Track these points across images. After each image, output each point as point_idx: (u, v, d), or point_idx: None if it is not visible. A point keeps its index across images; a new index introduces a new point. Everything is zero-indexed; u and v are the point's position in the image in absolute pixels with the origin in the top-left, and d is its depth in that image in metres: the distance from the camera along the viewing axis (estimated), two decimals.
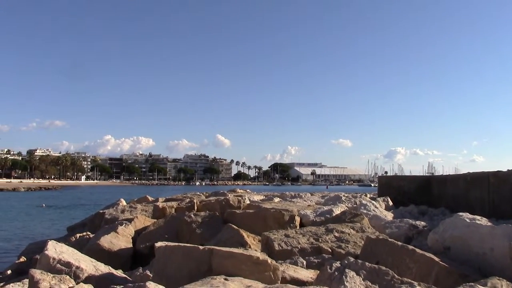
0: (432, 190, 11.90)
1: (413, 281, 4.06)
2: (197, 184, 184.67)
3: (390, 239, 5.59)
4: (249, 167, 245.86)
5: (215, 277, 4.15)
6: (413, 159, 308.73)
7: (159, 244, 5.00)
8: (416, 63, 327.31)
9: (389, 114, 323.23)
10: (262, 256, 4.69)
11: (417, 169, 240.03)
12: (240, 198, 12.34)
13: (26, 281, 4.83)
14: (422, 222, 8.09)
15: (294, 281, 4.83)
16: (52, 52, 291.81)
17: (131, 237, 9.47)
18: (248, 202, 12.35)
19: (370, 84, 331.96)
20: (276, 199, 15.27)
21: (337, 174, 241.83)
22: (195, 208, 11.84)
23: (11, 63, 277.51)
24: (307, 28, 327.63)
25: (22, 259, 12.12)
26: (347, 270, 4.28)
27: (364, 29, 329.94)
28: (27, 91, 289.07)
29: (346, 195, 16.12)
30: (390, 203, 11.93)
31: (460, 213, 5.85)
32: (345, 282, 4.12)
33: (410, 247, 5.11)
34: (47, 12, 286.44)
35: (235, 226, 8.02)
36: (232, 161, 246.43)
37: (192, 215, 9.63)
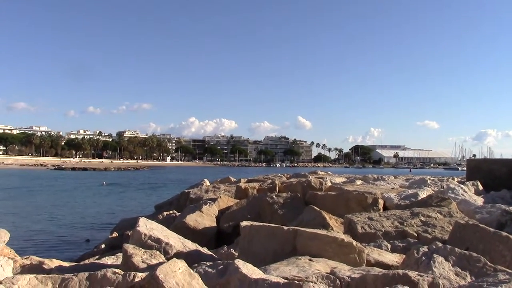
0: None
1: (508, 269, 3.86)
2: (277, 165, 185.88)
3: (481, 225, 5.33)
4: (329, 149, 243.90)
5: (300, 257, 4.19)
6: (505, 142, 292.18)
7: (244, 223, 5.10)
8: (508, 40, 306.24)
9: (480, 94, 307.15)
10: (347, 238, 4.67)
11: (509, 153, 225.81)
12: (321, 180, 12.29)
13: (120, 255, 5.08)
14: None
15: (379, 264, 4.74)
16: (142, 39, 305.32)
17: (215, 216, 9.76)
18: (329, 184, 12.27)
19: (460, 64, 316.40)
20: (358, 182, 15.02)
21: (421, 157, 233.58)
22: (277, 189, 11.97)
23: (106, 51, 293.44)
24: (398, 14, 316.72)
25: (115, 234, 12.90)
26: (435, 255, 4.15)
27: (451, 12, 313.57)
28: (118, 76, 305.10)
29: (431, 178, 15.55)
30: (480, 187, 11.37)
31: None
32: (433, 267, 4.00)
33: (504, 233, 4.85)
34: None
35: (317, 208, 8.01)
36: (312, 143, 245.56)
37: (274, 196, 9.74)
